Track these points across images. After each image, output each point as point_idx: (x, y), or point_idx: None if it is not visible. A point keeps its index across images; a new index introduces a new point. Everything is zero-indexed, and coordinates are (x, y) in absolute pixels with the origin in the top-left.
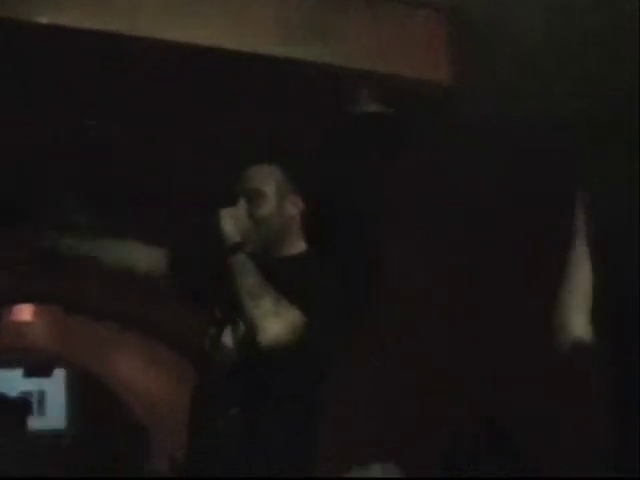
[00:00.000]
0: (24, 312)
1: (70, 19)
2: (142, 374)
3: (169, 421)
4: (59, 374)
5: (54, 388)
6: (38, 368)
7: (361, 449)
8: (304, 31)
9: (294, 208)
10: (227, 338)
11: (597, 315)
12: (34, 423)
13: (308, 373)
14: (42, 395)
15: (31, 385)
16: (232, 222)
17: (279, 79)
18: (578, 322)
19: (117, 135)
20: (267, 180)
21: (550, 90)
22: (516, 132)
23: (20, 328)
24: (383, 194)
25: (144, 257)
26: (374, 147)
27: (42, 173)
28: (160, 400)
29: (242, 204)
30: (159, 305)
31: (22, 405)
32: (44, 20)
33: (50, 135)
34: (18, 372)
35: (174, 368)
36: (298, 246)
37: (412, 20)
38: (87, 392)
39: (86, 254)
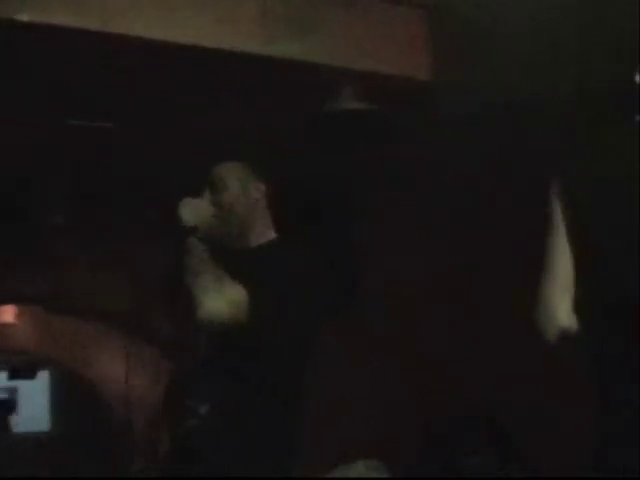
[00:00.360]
0: (6, 314)
1: (45, 16)
2: (125, 374)
3: (152, 420)
4: (42, 375)
5: (37, 389)
6: (22, 370)
7: (355, 448)
8: (285, 29)
9: (257, 192)
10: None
11: (582, 305)
12: (18, 426)
13: (278, 360)
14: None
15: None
16: (189, 209)
17: (260, 77)
18: (562, 311)
19: (99, 133)
20: (229, 171)
21: (532, 83)
22: (498, 126)
23: (2, 330)
24: (366, 189)
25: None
26: (357, 143)
27: (24, 172)
28: (143, 399)
29: (206, 195)
30: (142, 304)
31: (5, 405)
32: (24, 18)
33: (32, 134)
34: (1, 375)
35: (157, 367)
36: (267, 235)
37: (393, 17)
38: (70, 393)
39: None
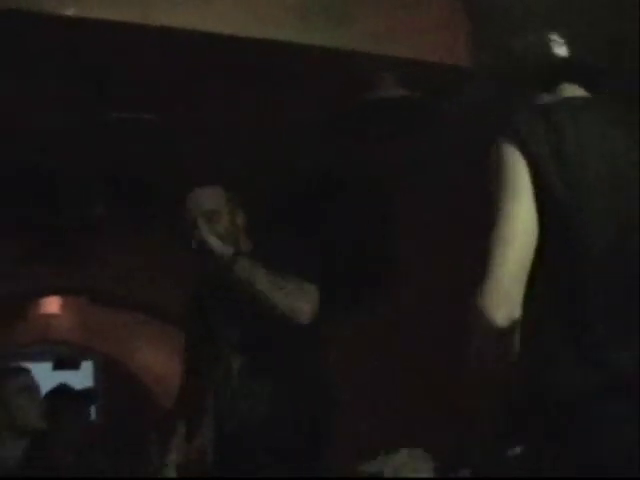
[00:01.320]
0: (51, 305)
1: (89, 11)
2: (169, 364)
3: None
4: (86, 365)
5: (81, 380)
6: (66, 361)
7: (398, 436)
8: (324, 17)
9: (241, 220)
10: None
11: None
12: None
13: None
14: None
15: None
16: (220, 243)
17: (298, 66)
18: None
19: (134, 125)
20: (219, 201)
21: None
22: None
23: (47, 321)
24: (401, 176)
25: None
26: (393, 131)
27: (61, 164)
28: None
29: (202, 223)
30: (182, 294)
31: (88, 396)
32: (71, 12)
33: (69, 126)
34: (46, 365)
35: None
36: (248, 245)
37: (430, 4)
38: (113, 383)
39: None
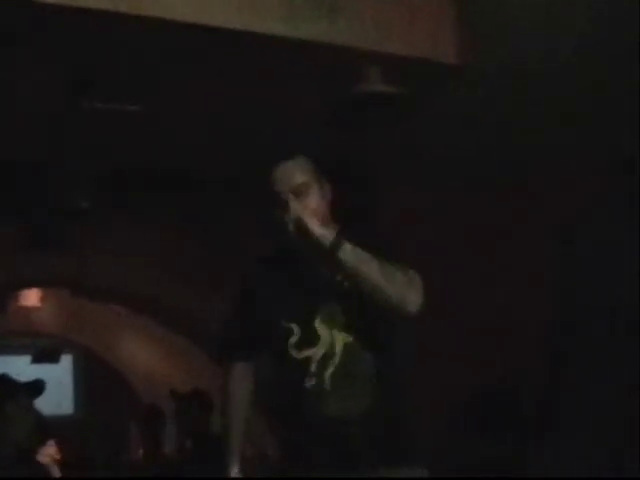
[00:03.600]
0: (31, 297)
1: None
2: (149, 357)
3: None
4: (66, 359)
5: (61, 373)
6: (46, 354)
7: None
8: (312, 11)
9: (329, 193)
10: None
11: None
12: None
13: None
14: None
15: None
16: (315, 221)
17: (286, 59)
18: None
19: (127, 117)
20: (306, 172)
21: (559, 67)
22: (525, 110)
23: (27, 313)
24: (388, 169)
25: None
26: (381, 125)
27: (47, 156)
28: (165, 384)
29: (293, 202)
30: (166, 287)
31: (35, 386)
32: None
33: (58, 117)
34: (26, 359)
35: (180, 352)
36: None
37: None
38: (94, 376)
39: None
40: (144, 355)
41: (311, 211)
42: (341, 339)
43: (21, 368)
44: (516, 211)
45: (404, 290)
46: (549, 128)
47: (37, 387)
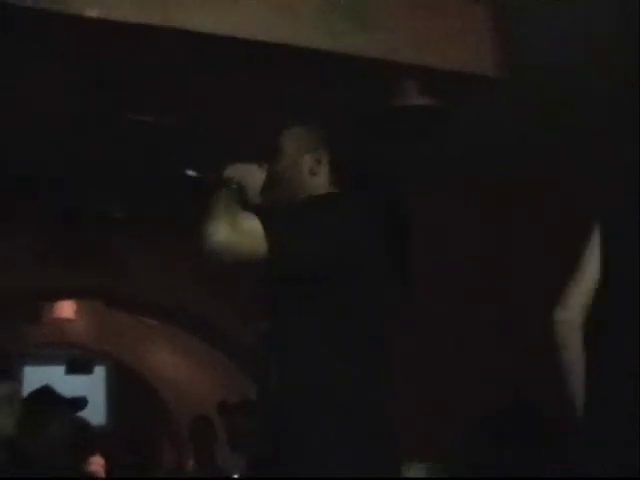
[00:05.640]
0: (65, 309)
1: (111, 12)
2: (183, 370)
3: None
4: (99, 370)
5: (94, 384)
6: (79, 365)
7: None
8: (349, 23)
9: (315, 164)
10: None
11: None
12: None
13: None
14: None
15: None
16: (235, 169)
17: (323, 72)
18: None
19: (154, 126)
20: (285, 136)
21: (595, 82)
22: (559, 123)
23: (62, 324)
24: (421, 184)
25: None
26: (416, 140)
27: (81, 166)
28: (201, 396)
29: (265, 165)
30: (200, 300)
31: (77, 403)
32: (94, 14)
33: (93, 129)
34: (59, 369)
35: (215, 364)
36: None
37: (455, 12)
38: (127, 388)
39: None
40: (177, 367)
41: (273, 174)
42: None
43: (54, 379)
44: (548, 219)
45: (209, 228)
46: (583, 140)
47: (79, 404)
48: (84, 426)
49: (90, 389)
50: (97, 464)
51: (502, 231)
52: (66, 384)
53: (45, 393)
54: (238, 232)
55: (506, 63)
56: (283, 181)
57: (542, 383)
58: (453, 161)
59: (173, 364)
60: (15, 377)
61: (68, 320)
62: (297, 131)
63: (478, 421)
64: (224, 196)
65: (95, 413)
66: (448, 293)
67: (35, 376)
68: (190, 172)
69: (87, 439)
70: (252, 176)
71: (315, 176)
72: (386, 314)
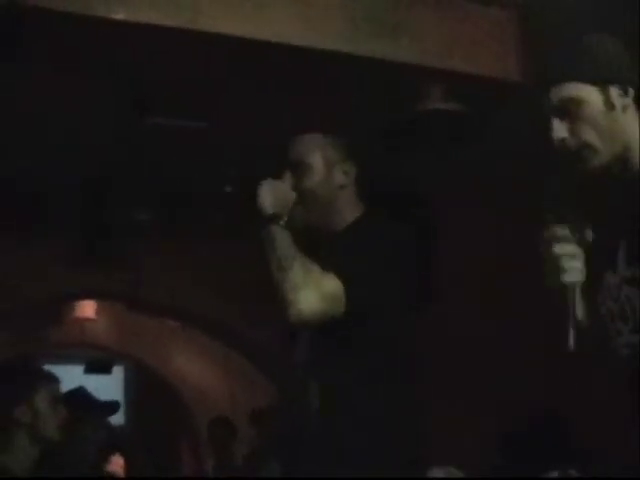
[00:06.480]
0: (87, 309)
1: (138, 15)
2: (202, 372)
3: (226, 420)
4: (117, 370)
5: (113, 384)
6: (99, 365)
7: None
8: (374, 28)
9: (344, 177)
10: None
11: None
12: None
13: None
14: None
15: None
16: (269, 194)
17: (348, 76)
18: None
19: (179, 131)
20: (311, 150)
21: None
22: None
23: (82, 325)
24: (452, 188)
25: None
26: (446, 144)
27: (107, 169)
28: (220, 398)
29: (287, 177)
30: (221, 303)
31: (111, 406)
32: (120, 16)
33: (117, 131)
34: (78, 368)
35: (235, 367)
36: (354, 214)
37: (482, 17)
38: (146, 389)
39: None
40: (197, 370)
41: (304, 191)
42: None
43: (73, 378)
44: None
45: (288, 290)
46: None
47: (113, 407)
48: (110, 428)
49: (108, 389)
50: (116, 464)
51: (523, 242)
52: (85, 384)
53: (80, 396)
54: (325, 298)
55: (532, 68)
56: (316, 198)
57: (568, 397)
58: (483, 169)
59: (192, 365)
60: (58, 378)
61: (89, 320)
62: (323, 143)
63: (501, 433)
64: (282, 240)
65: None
66: (470, 303)
67: None
68: (226, 188)
69: (112, 440)
70: (284, 195)
71: (344, 189)
72: (416, 338)
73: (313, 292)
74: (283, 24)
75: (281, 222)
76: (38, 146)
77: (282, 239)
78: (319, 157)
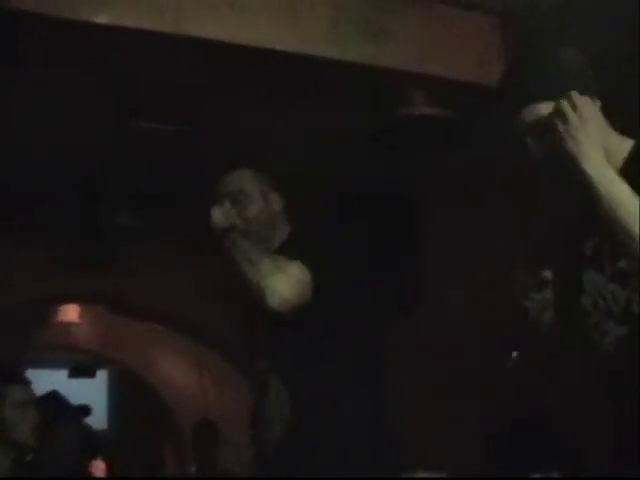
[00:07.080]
0: (70, 312)
1: (121, 19)
2: (186, 376)
3: (210, 424)
4: (101, 374)
5: (96, 388)
6: (82, 369)
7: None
8: (358, 33)
9: (277, 205)
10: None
11: None
12: None
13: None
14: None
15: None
16: (220, 214)
17: (332, 81)
18: None
19: (164, 136)
20: (248, 181)
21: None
22: None
23: (66, 328)
24: (434, 192)
25: None
26: (428, 148)
27: (91, 173)
28: (203, 402)
29: (227, 205)
30: (205, 307)
31: (82, 410)
32: (103, 20)
33: (100, 135)
34: (62, 373)
35: (219, 371)
36: (285, 233)
37: (466, 23)
38: (129, 393)
39: None
40: (181, 374)
41: (246, 220)
42: None
43: (57, 382)
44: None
45: (261, 278)
46: None
47: (85, 411)
48: (89, 431)
49: (92, 393)
50: (99, 468)
51: (516, 243)
52: (68, 388)
53: (53, 398)
54: (296, 282)
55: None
56: (260, 224)
57: (555, 397)
58: (469, 172)
59: (176, 369)
60: (28, 381)
61: (73, 324)
62: (255, 175)
63: (488, 434)
64: (243, 243)
65: (96, 417)
66: (455, 304)
67: (37, 379)
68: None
69: (92, 444)
70: (233, 220)
71: (279, 215)
72: (384, 330)
73: (284, 276)
74: (267, 28)
75: (236, 234)
76: (27, 152)
77: (245, 242)
78: (256, 187)
